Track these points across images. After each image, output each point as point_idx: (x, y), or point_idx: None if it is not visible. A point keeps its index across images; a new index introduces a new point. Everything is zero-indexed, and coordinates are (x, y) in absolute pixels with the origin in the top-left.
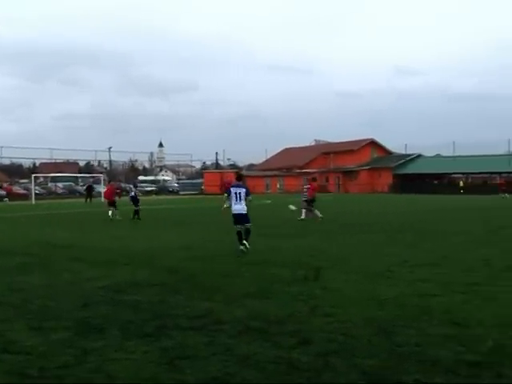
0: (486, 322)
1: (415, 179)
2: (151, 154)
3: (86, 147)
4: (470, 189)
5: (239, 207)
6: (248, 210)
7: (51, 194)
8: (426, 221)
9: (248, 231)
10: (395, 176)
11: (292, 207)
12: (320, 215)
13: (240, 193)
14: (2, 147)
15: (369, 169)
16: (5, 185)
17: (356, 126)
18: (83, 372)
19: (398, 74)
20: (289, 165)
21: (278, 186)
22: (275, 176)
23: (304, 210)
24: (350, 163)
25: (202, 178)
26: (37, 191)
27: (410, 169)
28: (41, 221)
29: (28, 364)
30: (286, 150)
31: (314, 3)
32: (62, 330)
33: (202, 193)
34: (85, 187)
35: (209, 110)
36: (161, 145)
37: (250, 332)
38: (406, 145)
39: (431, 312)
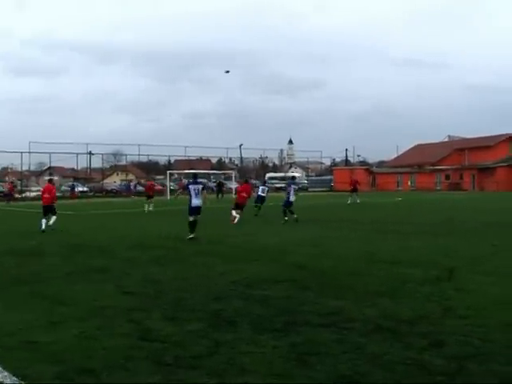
0: None
1: None
2: (281, 150)
3: (217, 145)
4: None
5: (197, 201)
6: (203, 204)
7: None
8: None
9: (197, 222)
10: None
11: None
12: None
13: (198, 189)
14: (139, 145)
15: (507, 165)
16: (143, 181)
17: (491, 121)
18: (216, 363)
19: None
20: (421, 161)
21: (410, 183)
22: (406, 173)
23: None
24: (485, 160)
25: (332, 174)
26: (172, 187)
27: None
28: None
29: (164, 352)
30: (418, 146)
31: None
32: (195, 321)
33: (331, 189)
34: (216, 184)
35: (338, 106)
36: (290, 142)
37: (381, 331)
38: None
39: None
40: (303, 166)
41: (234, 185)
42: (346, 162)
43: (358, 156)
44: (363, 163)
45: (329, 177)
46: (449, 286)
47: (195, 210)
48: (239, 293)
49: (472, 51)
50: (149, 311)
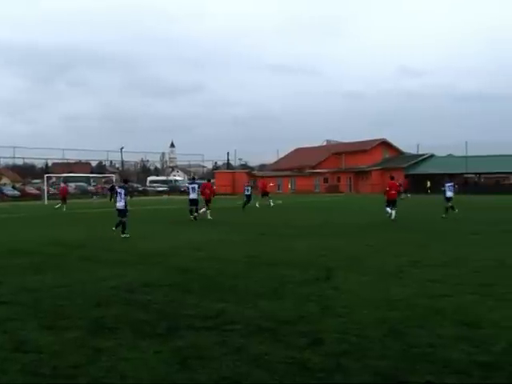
0: (498, 322)
1: (427, 179)
2: (163, 154)
3: (97, 148)
4: (482, 188)
5: (120, 204)
6: (126, 206)
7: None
8: (436, 221)
9: (121, 222)
10: (407, 176)
11: (272, 203)
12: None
13: (121, 192)
14: (14, 148)
15: (380, 169)
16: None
17: (366, 127)
18: (96, 371)
19: (404, 74)
20: (300, 165)
21: (290, 186)
22: (287, 176)
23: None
24: (361, 163)
25: (214, 178)
26: (50, 191)
27: (422, 169)
28: (58, 221)
29: (40, 363)
30: (298, 150)
31: (317, 5)
32: (74, 329)
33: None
34: (109, 187)
35: (219, 110)
36: (172, 145)
37: (262, 332)
38: (418, 145)
39: (443, 313)
40: (185, 170)
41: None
42: (228, 165)
43: (240, 159)
44: (245, 166)
45: (211, 180)
46: (327, 286)
47: (119, 212)
48: (120, 298)
49: (347, 60)
50: (24, 321)
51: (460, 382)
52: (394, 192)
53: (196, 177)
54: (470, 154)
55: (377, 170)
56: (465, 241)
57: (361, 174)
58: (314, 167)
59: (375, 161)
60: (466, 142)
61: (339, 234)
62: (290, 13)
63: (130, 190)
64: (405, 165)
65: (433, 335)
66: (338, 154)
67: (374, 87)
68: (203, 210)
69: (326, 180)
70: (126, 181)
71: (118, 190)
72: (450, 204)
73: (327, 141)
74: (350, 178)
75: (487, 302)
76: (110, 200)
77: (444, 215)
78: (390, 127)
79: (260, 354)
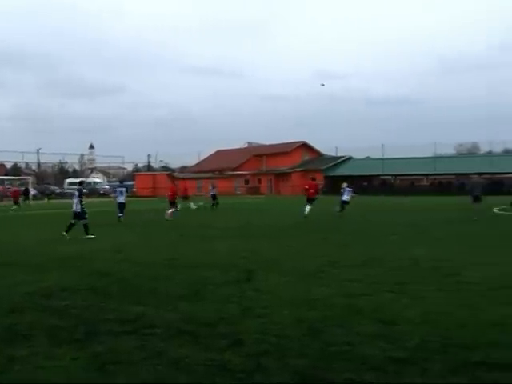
0: (413, 319)
1: (346, 181)
2: (81, 156)
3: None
4: (398, 190)
5: (76, 207)
6: (82, 209)
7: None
8: (356, 222)
9: (85, 225)
10: (326, 178)
11: (193, 206)
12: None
13: (76, 195)
14: None
15: (301, 171)
16: None
17: (287, 129)
18: (9, 380)
19: (323, 77)
20: (221, 167)
21: (210, 188)
22: (207, 178)
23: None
24: (282, 165)
25: (134, 180)
26: None
27: (341, 171)
28: None
29: None
30: (219, 152)
31: (237, 7)
32: None
33: (133, 195)
34: (23, 189)
35: (140, 112)
36: (91, 147)
37: (182, 335)
38: (336, 147)
39: (360, 311)
40: (105, 172)
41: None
42: (149, 167)
43: (161, 161)
44: (166, 168)
45: (131, 182)
46: (248, 287)
47: (75, 215)
48: (36, 304)
49: (268, 63)
50: None
51: (376, 378)
52: (313, 191)
53: (117, 179)
54: (386, 156)
55: (297, 171)
56: (382, 241)
57: (281, 175)
58: (234, 169)
59: (295, 163)
60: (383, 145)
61: (260, 236)
62: (210, 15)
63: (85, 192)
64: (324, 167)
65: (351, 333)
66: (259, 155)
67: (294, 90)
68: (171, 210)
69: (246, 182)
70: (81, 182)
71: (76, 193)
72: (343, 206)
73: (248, 143)
74: (270, 180)
75: (402, 300)
76: (25, 202)
77: (337, 210)
78: (310, 130)
79: (180, 357)
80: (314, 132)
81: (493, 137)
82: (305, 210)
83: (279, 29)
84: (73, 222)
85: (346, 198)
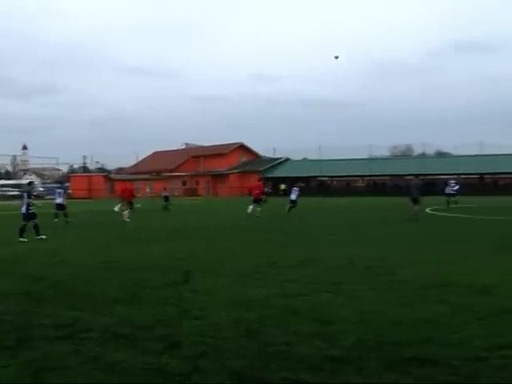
0: (348, 318)
1: (283, 182)
2: (14, 157)
3: None
4: (335, 191)
5: (24, 208)
6: (29, 210)
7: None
8: (295, 223)
9: (36, 226)
10: (264, 179)
11: (116, 208)
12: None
13: (24, 196)
14: None
15: (238, 172)
16: None
17: (224, 131)
18: None
19: (259, 79)
20: (158, 168)
21: (148, 189)
22: (144, 179)
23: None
24: (220, 166)
25: (69, 181)
26: None
27: (279, 172)
28: None
29: None
30: (156, 153)
31: (174, 8)
32: None
33: (68, 197)
34: None
35: (77, 112)
36: (25, 147)
37: (119, 339)
38: (274, 149)
39: (298, 311)
40: (39, 173)
41: None
42: (84, 168)
43: (97, 163)
44: (102, 170)
45: (66, 184)
46: (185, 289)
47: (27, 217)
48: None
49: (205, 64)
50: None
51: (313, 377)
52: (258, 192)
53: (51, 180)
54: (323, 157)
55: (235, 173)
56: (320, 242)
57: (219, 177)
58: (172, 170)
59: (233, 164)
60: (320, 147)
61: (197, 238)
62: (147, 15)
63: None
64: (262, 168)
65: (288, 333)
66: (197, 157)
67: (230, 91)
68: (128, 211)
69: (184, 183)
70: (30, 183)
71: (25, 195)
72: (290, 205)
73: (186, 144)
74: (208, 181)
75: (338, 300)
76: None
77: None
78: (248, 131)
79: (116, 362)
80: (251, 133)
81: (426, 139)
82: (249, 209)
83: (216, 30)
84: (24, 223)
85: (293, 197)
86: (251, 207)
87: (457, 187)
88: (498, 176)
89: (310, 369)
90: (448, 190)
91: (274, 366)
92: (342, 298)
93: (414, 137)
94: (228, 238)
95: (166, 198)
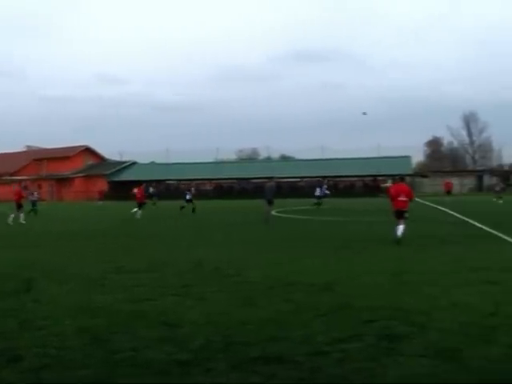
0: (196, 321)
1: (130, 186)
2: None
3: None
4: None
5: None
6: None
7: None
8: (144, 226)
9: None
10: (110, 183)
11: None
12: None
13: None
14: None
15: (83, 176)
16: None
17: (69, 133)
18: None
19: (105, 81)
20: None
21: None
22: None
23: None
24: (64, 170)
25: None
26: None
27: (126, 175)
28: None
29: None
30: None
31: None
32: None
33: None
34: None
35: None
36: None
37: None
38: (120, 152)
39: (146, 316)
40: None
41: None
42: None
43: None
44: None
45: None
46: (27, 298)
47: None
48: None
49: (46, 63)
50: None
51: (160, 381)
52: (140, 196)
53: None
54: (171, 161)
55: (80, 176)
56: (169, 245)
57: (63, 180)
58: (13, 174)
59: (78, 167)
60: (167, 150)
61: (41, 244)
62: None
63: None
64: (108, 172)
65: (136, 339)
66: (39, 160)
67: (76, 93)
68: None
69: (25, 187)
70: None
71: None
72: (185, 204)
73: (28, 146)
74: (52, 185)
75: (186, 302)
76: None
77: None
78: (93, 134)
79: None
80: (98, 136)
81: (271, 143)
82: (136, 214)
83: (62, 28)
84: None
85: (188, 197)
86: (139, 212)
87: (327, 191)
88: (338, 179)
89: (157, 374)
90: (319, 192)
91: (120, 373)
92: (191, 301)
93: (259, 141)
94: (73, 243)
95: (34, 203)
